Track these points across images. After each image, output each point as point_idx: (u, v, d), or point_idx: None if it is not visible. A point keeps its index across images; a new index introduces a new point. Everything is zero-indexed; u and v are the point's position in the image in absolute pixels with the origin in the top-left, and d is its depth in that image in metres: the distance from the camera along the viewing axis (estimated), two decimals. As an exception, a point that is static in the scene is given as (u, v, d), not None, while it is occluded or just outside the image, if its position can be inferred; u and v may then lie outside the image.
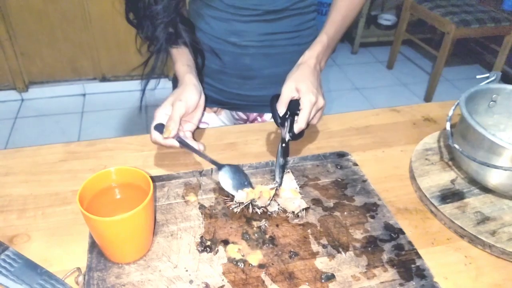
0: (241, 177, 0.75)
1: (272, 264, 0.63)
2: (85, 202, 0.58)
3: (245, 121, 1.11)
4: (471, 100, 0.79)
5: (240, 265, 0.62)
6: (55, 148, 0.86)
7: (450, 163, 0.84)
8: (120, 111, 2.67)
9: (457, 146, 0.75)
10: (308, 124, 0.80)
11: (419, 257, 0.65)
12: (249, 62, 0.96)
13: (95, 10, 2.53)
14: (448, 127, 0.79)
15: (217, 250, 0.64)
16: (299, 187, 0.74)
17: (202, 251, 0.64)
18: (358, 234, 0.68)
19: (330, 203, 0.73)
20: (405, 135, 0.94)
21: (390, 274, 0.62)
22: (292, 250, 0.65)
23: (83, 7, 2.51)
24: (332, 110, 0.99)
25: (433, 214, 0.74)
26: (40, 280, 0.59)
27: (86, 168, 0.81)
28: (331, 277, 0.61)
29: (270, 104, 0.81)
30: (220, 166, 0.75)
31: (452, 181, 0.80)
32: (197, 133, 0.92)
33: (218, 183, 0.76)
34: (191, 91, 0.81)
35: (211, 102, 1.05)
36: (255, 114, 1.09)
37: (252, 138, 0.90)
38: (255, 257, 0.63)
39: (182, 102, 0.78)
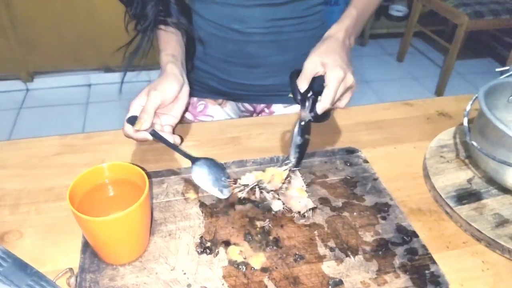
0: (219, 172, 0.70)
1: (276, 267, 0.59)
2: (76, 200, 0.54)
3: (252, 113, 1.07)
4: (490, 94, 0.74)
5: (241, 268, 0.58)
6: (50, 140, 0.82)
7: (466, 161, 0.79)
8: (125, 102, 2.63)
9: (475, 143, 0.70)
10: (333, 105, 0.71)
11: (434, 262, 0.61)
12: (254, 50, 0.92)
13: (99, -2, 2.49)
14: (465, 122, 0.74)
15: (218, 251, 0.60)
16: (306, 185, 0.70)
17: (202, 252, 0.60)
18: (368, 237, 0.64)
19: (339, 203, 0.69)
20: (419, 130, 0.89)
21: (403, 280, 0.58)
22: (297, 253, 0.61)
23: (87, -4, 2.47)
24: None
25: (449, 215, 0.70)
26: (29, 281, 0.56)
27: (82, 162, 0.77)
28: (339, 283, 0.57)
29: (290, 79, 0.71)
30: (193, 160, 0.70)
31: (469, 181, 0.75)
32: (198, 127, 0.88)
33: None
34: (169, 81, 0.75)
35: (214, 93, 1.01)
36: (262, 105, 1.04)
37: (256, 132, 0.86)
38: (258, 260, 0.60)
39: (157, 92, 0.72)
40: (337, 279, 0.57)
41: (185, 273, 0.57)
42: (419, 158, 0.81)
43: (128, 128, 0.72)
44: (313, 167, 0.76)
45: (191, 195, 0.69)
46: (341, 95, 0.71)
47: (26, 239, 0.63)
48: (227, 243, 0.62)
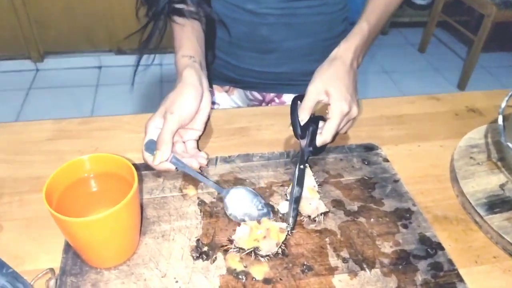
0: (254, 200, 0.61)
1: (280, 279, 0.52)
2: (55, 197, 0.47)
3: (261, 102, 0.99)
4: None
5: (241, 278, 0.51)
6: (43, 125, 0.76)
7: (499, 163, 0.71)
8: (136, 86, 2.58)
9: (510, 145, 0.62)
10: (334, 138, 0.67)
11: (461, 280, 0.53)
12: (267, 33, 0.83)
13: (112, -23, 2.41)
14: (500, 121, 0.65)
15: (215, 257, 0.54)
16: (318, 185, 0.62)
17: (197, 258, 0.53)
18: (387, 247, 0.56)
19: (354, 206, 0.61)
20: (446, 127, 0.80)
21: (425, 301, 0.50)
22: (305, 263, 0.53)
23: (100, -26, 2.40)
24: (359, 95, 0.86)
25: (478, 225, 0.62)
26: (4, 282, 0.50)
27: (74, 149, 0.71)
28: (351, 301, 0.50)
29: (291, 107, 0.67)
30: (224, 192, 0.61)
31: (502, 186, 0.67)
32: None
33: (222, 176, 0.65)
34: (186, 97, 0.64)
35: (222, 79, 0.93)
36: (272, 94, 0.96)
37: (267, 123, 0.79)
38: (260, 269, 0.53)
39: (174, 115, 0.62)
40: (350, 296, 0.50)
41: (177, 281, 0.51)
42: (445, 158, 0.73)
43: (147, 157, 0.63)
44: (326, 164, 0.68)
45: (190, 191, 0.62)
46: (343, 126, 0.69)
47: (5, 233, 0.57)
48: (226, 249, 0.55)
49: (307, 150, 0.65)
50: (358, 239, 0.57)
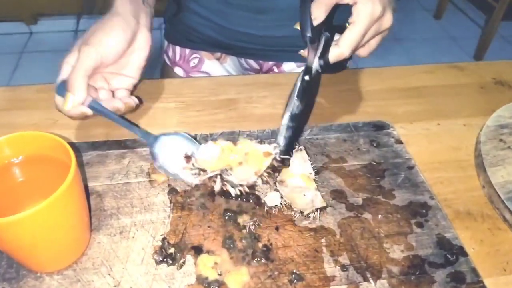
0: (192, 148, 0.50)
1: (263, 291, 0.41)
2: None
3: (258, 72, 0.87)
4: None
5: (214, 289, 0.41)
6: (-4, 92, 0.65)
7: (535, 148, 0.59)
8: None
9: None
10: (353, 52, 0.52)
11: (488, 294, 0.43)
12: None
13: None
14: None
15: (183, 262, 0.43)
16: (315, 171, 0.51)
17: (161, 261, 0.43)
18: (397, 252, 0.45)
19: (358, 199, 0.50)
20: (470, 102, 0.68)
21: (444, 324, 0.40)
22: (295, 270, 0.43)
23: None
24: (366, 63, 0.74)
25: (507, 223, 0.51)
26: None
27: (29, 122, 0.60)
28: (350, 323, 0.39)
29: (301, 3, 0.52)
30: (152, 139, 0.51)
31: (538, 176, 0.55)
32: (185, 84, 0.69)
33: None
34: (111, 29, 0.53)
35: (211, 45, 0.80)
36: (270, 63, 0.84)
37: (259, 95, 0.67)
38: (238, 278, 0.42)
39: (90, 48, 0.51)
40: (349, 316, 0.40)
41: (134, 292, 0.41)
42: (470, 140, 0.61)
43: (59, 101, 0.53)
44: (326, 146, 0.57)
45: (160, 176, 0.51)
46: (368, 39, 0.52)
47: None
48: (198, 250, 0.44)
49: (316, 64, 0.50)
50: (362, 241, 0.46)
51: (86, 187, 0.49)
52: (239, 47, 0.80)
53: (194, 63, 0.82)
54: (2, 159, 0.40)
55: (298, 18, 0.51)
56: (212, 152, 0.45)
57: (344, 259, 0.44)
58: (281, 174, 0.51)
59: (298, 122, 0.51)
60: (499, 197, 0.51)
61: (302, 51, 0.54)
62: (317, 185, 0.50)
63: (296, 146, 0.52)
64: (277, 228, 0.47)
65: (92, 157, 0.53)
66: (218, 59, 0.84)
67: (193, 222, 0.47)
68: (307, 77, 0.52)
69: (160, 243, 0.45)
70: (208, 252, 0.44)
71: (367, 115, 0.64)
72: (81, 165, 0.52)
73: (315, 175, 0.51)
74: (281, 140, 0.49)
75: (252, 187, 0.50)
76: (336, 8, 0.52)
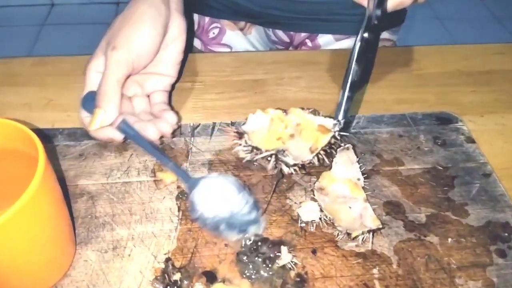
0: (237, 197, 0.38)
1: None
2: None
3: (287, 46, 0.74)
4: None
5: (230, 334, 0.31)
6: (-14, 64, 0.56)
7: None
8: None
9: None
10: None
11: None
12: None
13: None
14: None
15: (192, 293, 0.33)
16: (364, 176, 0.40)
17: (163, 291, 0.33)
18: (475, 293, 0.34)
19: (421, 215, 0.39)
20: (556, 92, 0.55)
21: None
22: (337, 313, 0.32)
23: None
24: (408, 42, 0.61)
25: None
26: None
27: (20, 101, 0.51)
28: None
29: None
30: (191, 183, 0.39)
31: None
32: (205, 60, 0.58)
33: (218, 154, 0.43)
34: (141, 22, 0.42)
35: (234, 13, 0.68)
36: (303, 34, 0.71)
37: (291, 75, 0.55)
38: (262, 320, 0.32)
39: (119, 53, 0.41)
40: None
41: (125, 332, 0.31)
42: (559, 140, 0.48)
43: (84, 117, 0.42)
44: (377, 143, 0.45)
45: (167, 175, 0.41)
46: None
47: None
48: (211, 277, 0.34)
49: (374, 13, 0.42)
50: (427, 274, 0.35)
51: (69, 188, 0.40)
52: (267, 15, 0.67)
53: (213, 33, 0.71)
54: None
55: None
56: (261, 123, 0.38)
57: (403, 298, 0.33)
58: (321, 179, 0.40)
59: (356, 91, 0.43)
60: None
61: None
62: (366, 194, 0.39)
63: (343, 145, 0.41)
64: (314, 252, 0.36)
65: (88, 148, 0.43)
66: (241, 29, 0.72)
67: (207, 238, 0.37)
68: (366, 35, 0.42)
69: (163, 265, 0.35)
70: (224, 280, 0.34)
71: (426, 105, 0.51)
72: (73, 157, 0.42)
73: (364, 181, 0.40)
74: (341, 115, 0.40)
75: (283, 193, 0.39)
76: None
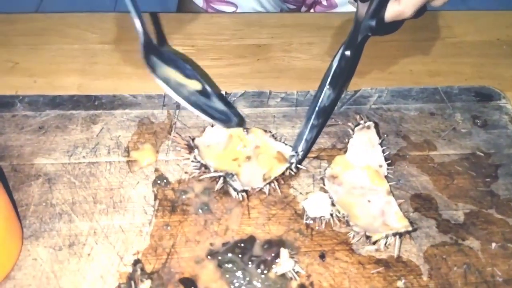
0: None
1: None
2: None
3: (300, 5, 0.65)
4: None
5: None
6: None
7: None
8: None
9: None
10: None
11: None
12: None
13: None
14: None
15: (164, 306, 0.26)
16: (387, 163, 0.32)
17: (128, 303, 0.26)
18: (529, 317, 0.26)
19: (458, 213, 0.31)
20: None
21: None
22: (350, 338, 0.25)
23: None
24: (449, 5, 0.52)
25: None
26: None
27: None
28: None
29: None
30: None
31: None
32: (203, 21, 0.50)
33: (201, 125, 0.35)
34: None
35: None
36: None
37: (302, 41, 0.47)
38: None
39: None
40: None
41: None
42: None
43: None
44: (403, 122, 0.37)
45: (143, 155, 0.33)
46: None
47: None
48: (189, 285, 0.27)
49: (367, 23, 0.35)
50: (466, 289, 0.27)
51: (23, 168, 0.32)
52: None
53: (218, -11, 0.62)
54: None
55: None
56: (219, 138, 0.32)
57: (435, 321, 0.26)
58: (333, 165, 0.32)
59: (326, 118, 0.36)
60: None
61: None
62: (389, 185, 0.31)
63: (362, 122, 0.33)
64: (322, 256, 0.28)
65: (49, 119, 0.36)
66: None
67: (188, 235, 0.29)
68: (348, 52, 0.36)
69: (130, 269, 0.27)
70: (206, 291, 0.27)
71: (461, 78, 0.43)
72: (32, 130, 0.35)
73: (387, 168, 0.32)
74: (301, 146, 0.33)
75: (285, 182, 0.32)
76: None
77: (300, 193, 0.32)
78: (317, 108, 0.35)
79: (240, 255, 0.28)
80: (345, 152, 0.33)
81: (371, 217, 0.29)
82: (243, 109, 0.38)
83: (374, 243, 0.28)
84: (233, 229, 0.30)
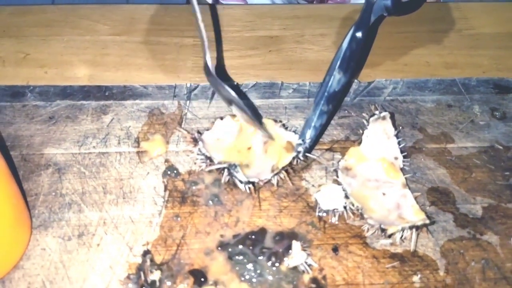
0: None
1: None
2: None
3: (311, 2, 0.65)
4: None
5: None
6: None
7: None
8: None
9: None
10: None
11: None
12: None
13: None
14: None
15: (173, 298, 0.26)
16: (403, 155, 0.31)
17: (137, 294, 0.26)
18: (552, 315, 0.25)
19: (476, 207, 0.30)
20: None
21: None
22: (364, 334, 0.24)
23: None
24: None
25: None
26: None
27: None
28: None
29: None
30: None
31: None
32: (209, 13, 0.49)
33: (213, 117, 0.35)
34: None
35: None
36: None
37: (314, 32, 0.46)
38: None
39: None
40: None
41: None
42: None
43: None
44: (420, 114, 0.36)
45: (153, 145, 0.33)
46: None
47: None
48: (199, 278, 0.26)
49: (382, 2, 0.35)
50: (484, 284, 0.26)
51: (32, 158, 0.32)
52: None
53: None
54: None
55: None
56: (228, 130, 0.32)
57: (453, 317, 0.25)
58: (347, 156, 0.31)
59: (336, 104, 0.34)
60: None
61: None
62: (405, 178, 0.30)
63: (377, 113, 0.32)
64: (335, 250, 0.28)
65: (59, 109, 0.35)
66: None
67: (198, 226, 0.29)
68: (359, 34, 0.34)
69: (139, 260, 0.27)
70: (216, 283, 0.26)
71: (479, 70, 0.42)
72: (42, 120, 0.35)
73: (403, 160, 0.31)
74: (309, 133, 0.32)
75: (297, 174, 0.31)
76: None
77: (313, 185, 0.31)
78: (326, 94, 0.33)
79: (251, 247, 0.27)
80: (359, 143, 0.32)
81: (386, 210, 0.28)
82: (255, 100, 0.37)
83: (389, 236, 0.27)
84: (243, 221, 0.29)
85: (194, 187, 0.31)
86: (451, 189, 0.31)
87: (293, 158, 0.31)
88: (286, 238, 0.28)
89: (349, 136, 0.34)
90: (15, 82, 0.39)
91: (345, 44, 0.34)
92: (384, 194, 0.29)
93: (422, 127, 0.35)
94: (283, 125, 0.33)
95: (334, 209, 0.29)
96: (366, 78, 0.40)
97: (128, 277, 0.26)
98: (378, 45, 0.44)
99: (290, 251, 0.27)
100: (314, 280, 0.26)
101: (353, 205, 0.28)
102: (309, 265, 0.27)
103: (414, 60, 0.42)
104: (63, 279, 0.26)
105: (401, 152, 0.31)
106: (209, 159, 0.30)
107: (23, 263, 0.27)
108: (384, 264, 0.27)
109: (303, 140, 0.32)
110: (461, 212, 0.30)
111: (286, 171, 0.31)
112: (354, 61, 0.34)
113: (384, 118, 0.32)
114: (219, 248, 0.27)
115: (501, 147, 0.34)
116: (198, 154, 0.31)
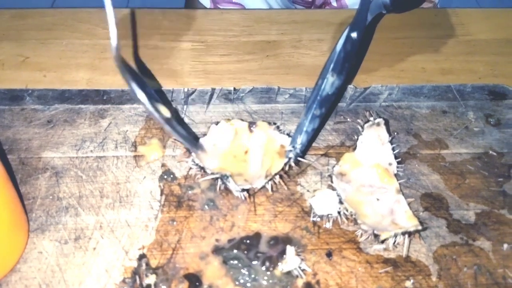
0: None
1: None
2: None
3: (310, 5, 0.65)
4: None
5: None
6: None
7: None
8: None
9: None
10: None
11: None
12: None
13: None
14: None
15: (168, 302, 0.26)
16: (397, 161, 0.32)
17: (132, 297, 0.26)
18: (542, 320, 0.26)
19: (469, 213, 0.30)
20: None
21: None
22: (357, 338, 0.25)
23: None
24: (452, 4, 0.51)
25: None
26: None
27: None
28: None
29: None
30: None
31: None
32: (211, 17, 0.49)
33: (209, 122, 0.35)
34: None
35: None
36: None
37: (311, 37, 0.46)
38: None
39: None
40: None
41: None
42: None
43: None
44: (415, 119, 0.36)
45: (150, 150, 0.33)
46: None
47: None
48: (194, 281, 0.27)
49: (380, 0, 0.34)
50: (476, 291, 0.27)
51: (30, 161, 0.32)
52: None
53: (225, -10, 0.62)
54: None
55: None
56: (224, 135, 0.32)
57: (444, 322, 0.25)
58: (342, 162, 0.31)
59: (329, 108, 0.33)
60: None
61: None
62: (399, 183, 0.31)
63: (371, 119, 0.32)
64: (329, 255, 0.28)
65: (58, 113, 0.36)
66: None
67: (193, 230, 0.29)
68: (355, 34, 0.33)
69: (135, 264, 0.27)
70: (210, 287, 0.26)
71: (474, 76, 0.42)
72: (40, 124, 0.35)
73: (398, 166, 0.31)
74: (300, 138, 0.32)
75: (292, 179, 0.31)
76: None
77: (308, 190, 0.31)
78: (318, 97, 0.32)
79: (245, 252, 0.28)
80: (354, 149, 0.32)
81: (379, 216, 0.29)
82: (251, 105, 0.37)
83: (383, 242, 0.27)
84: (239, 226, 0.29)
85: (190, 192, 0.31)
86: (445, 195, 0.31)
87: (285, 164, 0.31)
88: (280, 242, 0.28)
89: (344, 141, 0.34)
90: (15, 86, 0.40)
91: (339, 46, 0.34)
92: (378, 199, 0.30)
93: (416, 133, 0.35)
94: (277, 127, 0.34)
95: (329, 214, 0.29)
96: (362, 84, 0.40)
97: (123, 281, 0.26)
98: (375, 50, 0.45)
99: (284, 255, 0.27)
100: (307, 285, 0.27)
101: (347, 210, 0.29)
102: (303, 270, 0.27)
103: (410, 66, 0.43)
104: (59, 282, 0.27)
105: (396, 158, 0.31)
106: (203, 169, 0.30)
107: (20, 266, 0.27)
108: (377, 269, 0.27)
109: (293, 147, 0.31)
110: (454, 218, 0.30)
111: (281, 176, 0.31)
112: (348, 63, 0.33)
113: (378, 124, 0.32)
114: (214, 252, 0.28)
115: (495, 154, 0.34)
116: (192, 164, 0.31)
